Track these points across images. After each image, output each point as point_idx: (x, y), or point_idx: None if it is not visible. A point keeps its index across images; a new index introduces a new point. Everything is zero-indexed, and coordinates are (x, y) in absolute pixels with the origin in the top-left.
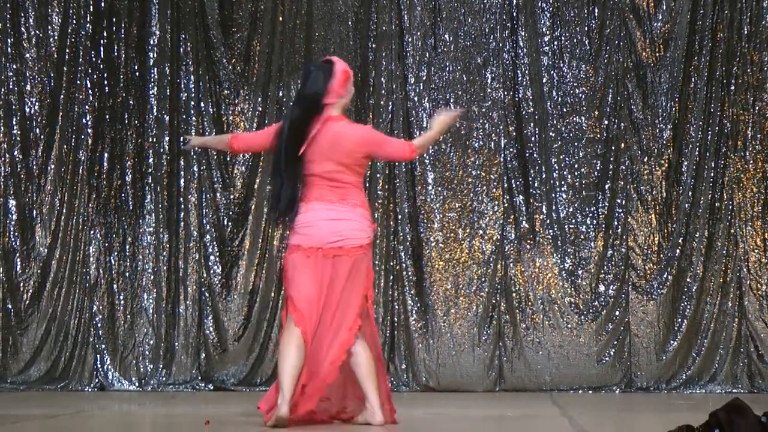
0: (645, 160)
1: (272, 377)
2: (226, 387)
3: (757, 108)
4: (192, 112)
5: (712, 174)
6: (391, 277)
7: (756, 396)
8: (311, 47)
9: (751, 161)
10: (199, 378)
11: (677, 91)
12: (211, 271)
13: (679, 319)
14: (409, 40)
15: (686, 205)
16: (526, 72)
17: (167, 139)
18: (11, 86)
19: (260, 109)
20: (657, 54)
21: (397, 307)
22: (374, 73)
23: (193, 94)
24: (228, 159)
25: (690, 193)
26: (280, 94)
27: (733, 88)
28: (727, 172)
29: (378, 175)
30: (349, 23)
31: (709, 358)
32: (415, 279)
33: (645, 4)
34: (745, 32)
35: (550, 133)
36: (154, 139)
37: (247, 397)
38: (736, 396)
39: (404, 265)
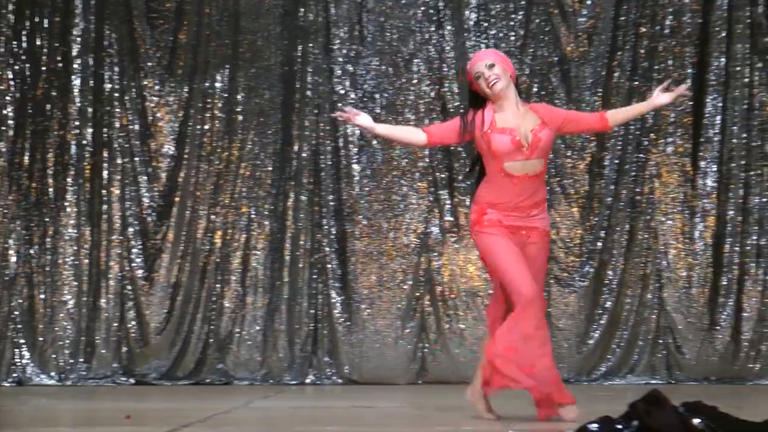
0: (568, 153)
1: (194, 371)
2: (147, 381)
3: (677, 103)
4: (116, 104)
5: (634, 168)
6: (315, 270)
7: (674, 387)
8: (238, 40)
9: (673, 155)
10: (121, 372)
11: (601, 85)
12: (134, 264)
13: (600, 312)
14: (336, 33)
15: (608, 199)
16: (452, 66)
17: (90, 131)
18: None
19: (185, 101)
20: (581, 49)
21: (320, 299)
22: (301, 66)
23: (117, 86)
24: (152, 152)
25: (612, 187)
26: (206, 86)
27: (655, 82)
28: (648, 165)
29: (304, 168)
30: (276, 16)
31: (629, 349)
32: (339, 272)
33: (570, 0)
34: (668, 27)
35: None
36: (77, 131)
37: (168, 391)
38: (655, 387)
39: (328, 258)
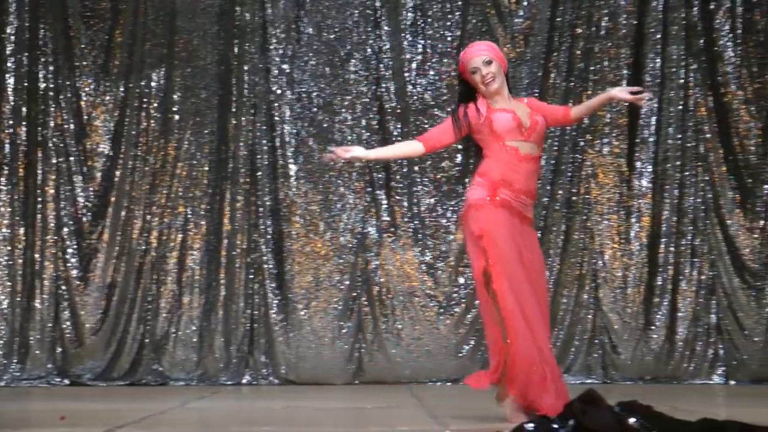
0: None
1: (130, 372)
2: (82, 382)
3: (613, 104)
4: (51, 103)
5: (570, 168)
6: (252, 271)
7: (610, 386)
8: (174, 39)
9: (608, 156)
10: (55, 373)
11: (537, 86)
12: (69, 264)
13: None
14: (273, 32)
15: (545, 199)
16: (390, 66)
17: (25, 129)
18: None
19: (121, 101)
20: (518, 49)
21: (257, 300)
22: (237, 65)
23: (52, 85)
24: (88, 151)
25: (548, 187)
26: (142, 86)
27: (591, 83)
28: (584, 166)
29: (240, 168)
30: (213, 15)
31: (565, 349)
32: (275, 272)
33: (506, 1)
34: (603, 29)
35: (412, 128)
36: (11, 130)
37: (103, 391)
38: (591, 387)
39: (265, 258)
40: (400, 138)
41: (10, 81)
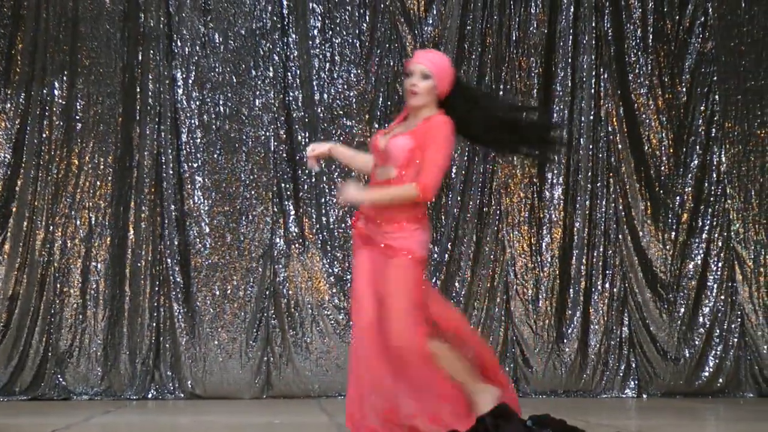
0: None
1: (32, 386)
2: None
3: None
4: None
5: (480, 179)
6: (157, 283)
7: (522, 401)
8: (77, 46)
9: (519, 167)
10: None
11: None
12: None
13: None
14: (178, 40)
15: (455, 210)
16: (297, 74)
17: None
18: None
19: (22, 109)
20: None
21: (163, 312)
22: (141, 73)
23: None
24: None
25: (459, 198)
26: (44, 94)
27: (501, 93)
28: (495, 177)
29: (145, 178)
30: (116, 22)
31: None
32: (181, 284)
33: (416, 8)
34: (514, 38)
35: (321, 137)
36: None
37: (5, 406)
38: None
39: (170, 270)
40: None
41: None
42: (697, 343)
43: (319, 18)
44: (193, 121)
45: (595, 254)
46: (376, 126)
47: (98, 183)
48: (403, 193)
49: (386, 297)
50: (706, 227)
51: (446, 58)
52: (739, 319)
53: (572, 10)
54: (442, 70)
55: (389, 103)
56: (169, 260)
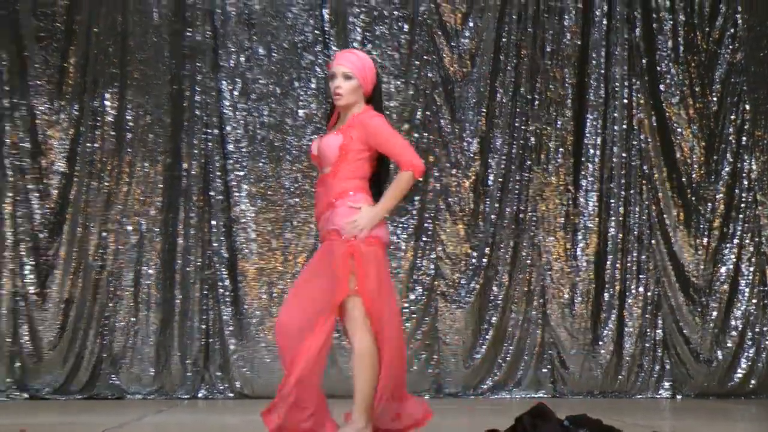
0: (453, 172)
1: (88, 386)
2: (41, 396)
3: (558, 123)
4: (6, 122)
5: (517, 186)
6: (206, 287)
7: (559, 401)
8: (126, 59)
9: (554, 174)
10: (14, 387)
11: (484, 105)
12: (26, 281)
13: (486, 327)
14: (223, 53)
15: (493, 216)
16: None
17: None
18: None
19: (75, 120)
20: (464, 69)
21: (212, 315)
22: (188, 85)
23: (7, 104)
24: (43, 169)
25: (496, 205)
26: (95, 105)
27: (536, 103)
28: (531, 184)
29: (194, 186)
30: (164, 35)
31: (515, 364)
32: (230, 288)
33: (453, 21)
34: (548, 49)
35: None
36: None
37: (62, 405)
38: (540, 401)
39: (219, 274)
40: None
41: None
42: (729, 345)
43: (359, 31)
44: (238, 131)
45: (629, 259)
46: (416, 135)
47: (148, 191)
48: (402, 183)
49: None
50: (738, 233)
51: (365, 56)
52: None
53: (605, 22)
54: (362, 68)
55: (428, 113)
56: (217, 265)
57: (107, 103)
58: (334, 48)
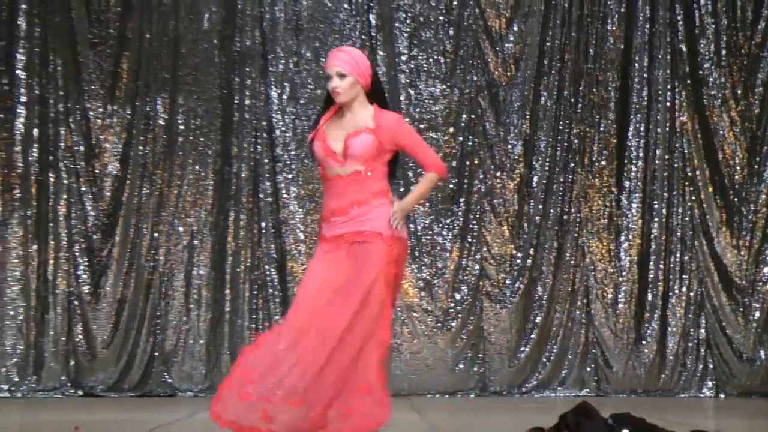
0: (498, 174)
1: (140, 384)
2: (95, 393)
3: (602, 126)
4: (61, 126)
5: (561, 188)
6: (256, 287)
7: (602, 399)
8: (177, 64)
9: (597, 176)
10: (69, 384)
11: (528, 108)
12: (80, 281)
13: (530, 326)
14: (272, 57)
15: (537, 218)
16: (385, 90)
17: (36, 152)
18: None
19: (128, 123)
20: (509, 73)
21: (261, 315)
22: (238, 89)
23: (61, 108)
24: (97, 172)
25: (540, 206)
26: (147, 109)
27: (580, 106)
28: (574, 186)
29: (243, 188)
30: (214, 41)
31: (559, 363)
32: (279, 288)
33: (497, 26)
34: (592, 53)
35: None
36: (24, 152)
37: (115, 402)
38: (584, 399)
39: (268, 275)
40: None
41: (22, 105)
42: None
43: (406, 36)
44: (287, 135)
45: (672, 260)
46: (460, 138)
47: (199, 193)
48: (431, 184)
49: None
50: None
51: (357, 51)
52: None
53: (647, 26)
54: (355, 64)
55: (473, 116)
56: (266, 266)
57: (159, 107)
58: (380, 53)
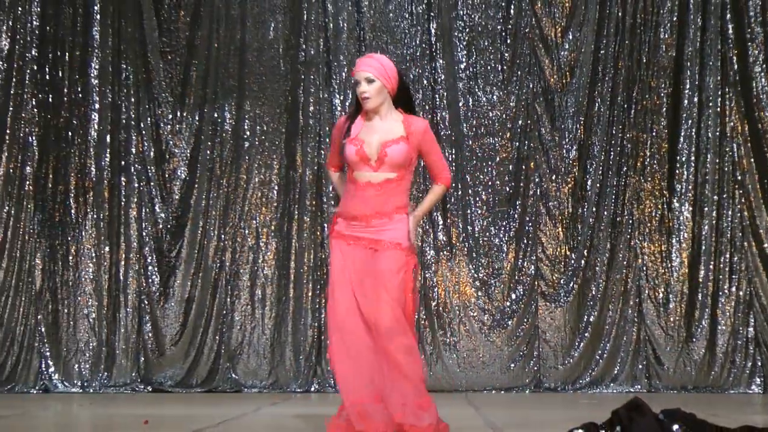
0: (553, 178)
1: (207, 380)
2: (163, 389)
3: (654, 130)
4: (132, 131)
5: (614, 191)
6: (318, 286)
7: (654, 395)
8: (244, 72)
9: (649, 179)
10: (139, 380)
11: (582, 114)
12: (150, 280)
13: (584, 325)
14: (336, 65)
15: (590, 220)
16: (444, 97)
17: (108, 156)
18: None
19: (196, 129)
20: (564, 80)
21: (324, 313)
22: (303, 96)
23: (133, 115)
24: (166, 176)
25: (594, 209)
26: (215, 116)
27: (633, 112)
28: (627, 189)
29: (307, 192)
30: (280, 50)
31: (611, 360)
32: None
33: (553, 35)
34: (644, 61)
35: (466, 153)
36: (96, 157)
37: (183, 398)
38: (636, 395)
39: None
40: (455, 165)
41: (95, 112)
42: None
43: (464, 44)
44: None
45: (721, 260)
46: (517, 143)
47: (264, 196)
48: (438, 195)
49: (378, 285)
50: None
51: (385, 58)
52: None
53: (699, 34)
54: (383, 69)
55: (529, 121)
56: (328, 266)
57: (226, 113)
58: (440, 61)
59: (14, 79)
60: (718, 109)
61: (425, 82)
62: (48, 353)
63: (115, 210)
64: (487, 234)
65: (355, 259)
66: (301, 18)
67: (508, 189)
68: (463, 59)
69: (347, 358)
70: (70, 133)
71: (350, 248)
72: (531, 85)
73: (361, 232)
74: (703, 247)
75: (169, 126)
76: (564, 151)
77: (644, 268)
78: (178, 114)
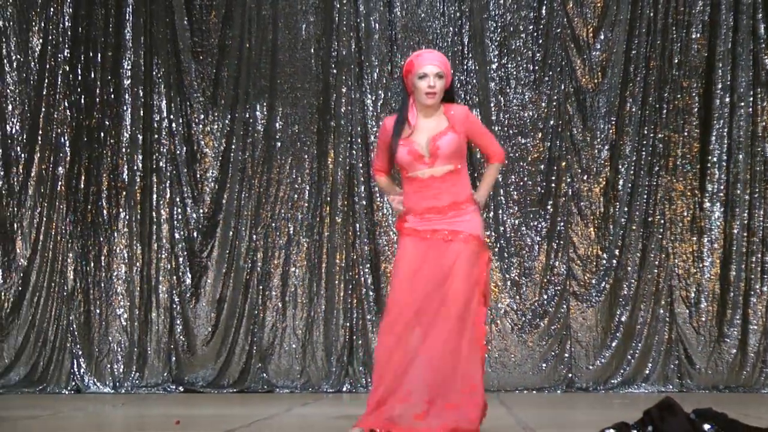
0: (584, 178)
1: (239, 380)
2: (195, 389)
3: (686, 131)
4: (164, 132)
5: (645, 191)
6: (350, 286)
7: (685, 395)
8: (276, 72)
9: (681, 179)
10: (170, 380)
11: (614, 114)
12: (182, 281)
13: (616, 325)
14: (367, 65)
15: (622, 220)
16: (476, 97)
17: (141, 157)
18: None
19: (228, 129)
20: (595, 80)
21: (355, 314)
22: (335, 96)
23: (165, 115)
24: (198, 176)
25: (626, 209)
26: (247, 116)
27: (665, 112)
28: (659, 189)
29: (338, 192)
30: (312, 50)
31: (643, 360)
32: (372, 287)
33: (584, 35)
34: (676, 61)
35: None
36: (129, 158)
37: (214, 398)
38: (668, 395)
39: (362, 275)
40: (484, 161)
41: (128, 113)
42: None
43: (496, 45)
44: None
45: (753, 260)
46: (548, 143)
47: (296, 196)
48: (495, 175)
49: (447, 277)
50: None
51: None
52: None
53: (731, 34)
54: (449, 68)
55: (560, 121)
56: (360, 266)
57: (258, 113)
58: (471, 61)
59: (46, 80)
60: (750, 109)
61: (457, 82)
62: (80, 353)
63: (147, 210)
64: (519, 234)
65: (427, 256)
66: (332, 18)
67: (539, 189)
68: (495, 60)
69: (395, 355)
70: (102, 134)
71: (425, 244)
72: (563, 86)
73: (438, 224)
74: (735, 247)
75: (200, 126)
76: (596, 151)
77: (676, 268)
78: (210, 114)
